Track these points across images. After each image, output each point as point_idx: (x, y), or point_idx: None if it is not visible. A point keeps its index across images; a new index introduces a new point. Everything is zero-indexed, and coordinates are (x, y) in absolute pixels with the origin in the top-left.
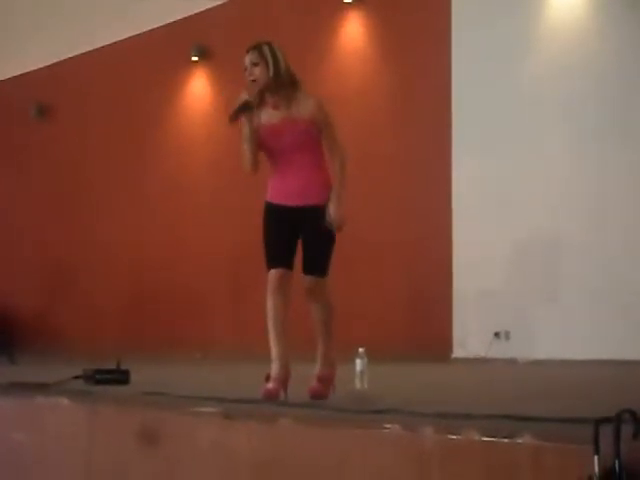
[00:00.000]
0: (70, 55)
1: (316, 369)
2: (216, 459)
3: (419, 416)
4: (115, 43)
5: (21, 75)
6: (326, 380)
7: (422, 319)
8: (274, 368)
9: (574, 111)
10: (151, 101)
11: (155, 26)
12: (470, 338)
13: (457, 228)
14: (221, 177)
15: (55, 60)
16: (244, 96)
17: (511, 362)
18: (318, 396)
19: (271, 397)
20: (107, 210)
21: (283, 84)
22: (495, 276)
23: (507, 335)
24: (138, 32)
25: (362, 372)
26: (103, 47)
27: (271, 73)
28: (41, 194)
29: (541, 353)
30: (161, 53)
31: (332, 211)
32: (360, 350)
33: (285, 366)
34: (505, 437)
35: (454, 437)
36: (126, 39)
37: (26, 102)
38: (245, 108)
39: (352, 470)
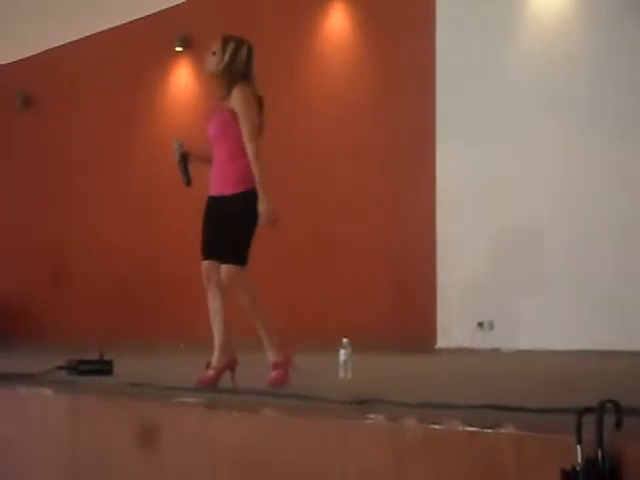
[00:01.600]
0: (55, 45)
1: (269, 358)
2: (200, 449)
3: (402, 406)
4: (100, 33)
5: (6, 65)
6: (279, 366)
7: (406, 309)
8: (214, 357)
9: (558, 102)
10: (136, 91)
11: (140, 16)
12: (454, 328)
13: (441, 219)
14: (201, 168)
15: (40, 50)
16: (177, 148)
17: (495, 352)
18: (277, 384)
19: (206, 384)
20: (90, 199)
21: (231, 78)
22: (479, 266)
23: (491, 325)
24: (123, 22)
25: (346, 362)
26: (88, 37)
27: (221, 67)
28: (25, 184)
29: (525, 343)
30: (146, 43)
31: (259, 209)
32: (344, 340)
33: (224, 355)
34: (488, 427)
35: (437, 427)
36: (111, 29)
37: (11, 92)
38: (184, 165)
39: (335, 460)
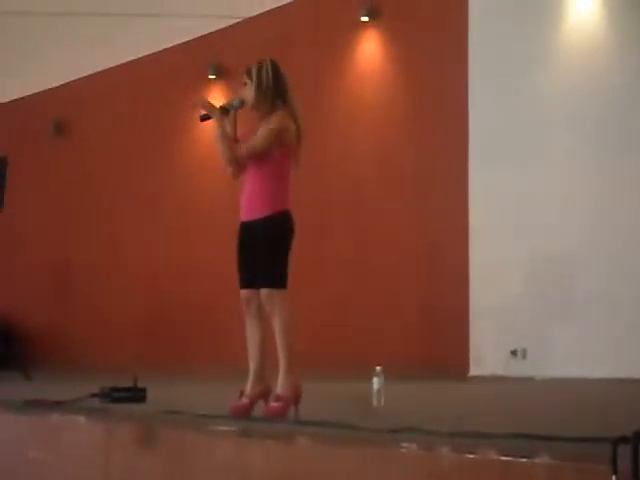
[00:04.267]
0: (88, 73)
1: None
2: (233, 478)
3: (436, 435)
4: (133, 61)
5: (40, 92)
6: (282, 399)
7: (438, 337)
8: (248, 385)
9: (591, 126)
10: (168, 118)
11: (172, 44)
12: (487, 356)
13: (473, 244)
14: (237, 192)
15: (73, 78)
16: (227, 102)
17: (528, 380)
18: (272, 415)
19: (238, 412)
20: (123, 226)
21: (264, 101)
22: (511, 293)
23: (524, 353)
24: (156, 50)
25: (379, 390)
26: (121, 65)
27: (253, 92)
28: (58, 211)
29: (558, 371)
30: (179, 71)
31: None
32: (377, 368)
33: (258, 383)
34: (523, 457)
35: (471, 456)
36: (144, 57)
37: (44, 119)
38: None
39: None
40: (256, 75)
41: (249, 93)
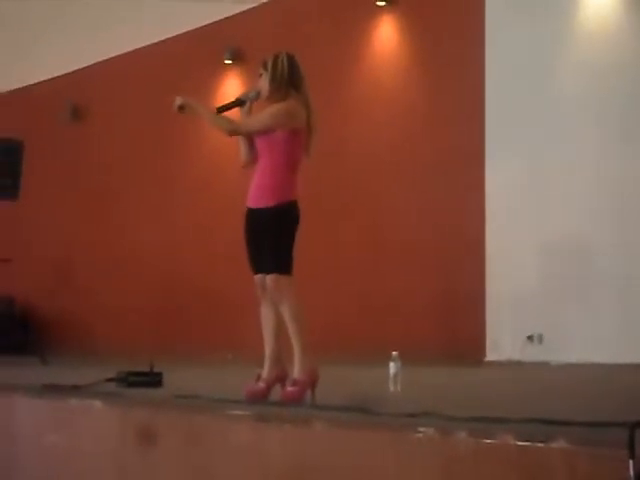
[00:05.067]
0: (104, 57)
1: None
2: (249, 462)
3: (453, 420)
4: (149, 46)
5: (55, 78)
6: (299, 384)
7: (455, 322)
8: (264, 369)
9: (608, 114)
10: None
11: (188, 29)
12: (503, 341)
13: (490, 230)
14: (249, 176)
15: (89, 62)
16: (243, 94)
17: (544, 365)
18: (289, 399)
19: (255, 397)
20: (138, 212)
21: (278, 92)
22: (528, 279)
23: (540, 338)
24: (172, 35)
25: (396, 375)
26: (137, 50)
27: (268, 82)
28: (74, 197)
29: (574, 356)
30: (195, 56)
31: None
32: (394, 353)
33: (275, 367)
34: (540, 441)
35: (488, 441)
36: (160, 42)
37: (60, 104)
38: (236, 104)
39: (385, 474)
40: (271, 67)
41: (264, 84)
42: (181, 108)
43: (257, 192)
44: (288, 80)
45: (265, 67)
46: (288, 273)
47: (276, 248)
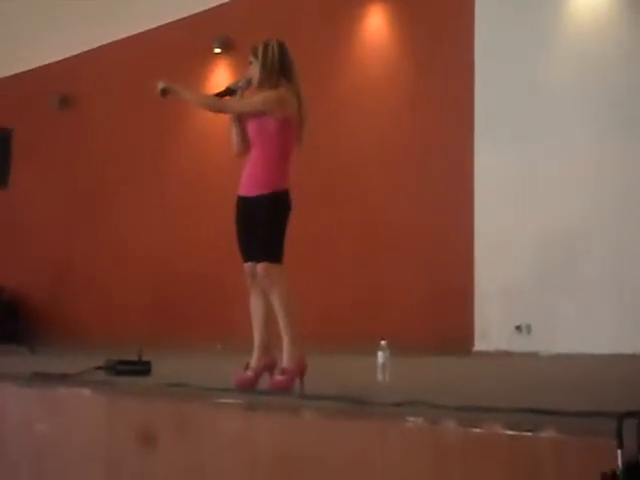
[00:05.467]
0: (93, 46)
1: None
2: (238, 450)
3: (441, 409)
4: (138, 35)
5: (44, 66)
6: (287, 373)
7: (444, 312)
8: (253, 357)
9: (596, 103)
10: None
11: (178, 18)
12: (492, 331)
13: (478, 220)
14: (241, 166)
15: (78, 51)
16: (234, 83)
17: (533, 355)
18: (278, 388)
19: (244, 385)
20: (128, 202)
21: (269, 80)
22: (516, 269)
23: (528, 329)
24: (161, 24)
25: (384, 364)
26: (126, 38)
27: (258, 70)
28: (62, 185)
29: (562, 347)
30: (184, 45)
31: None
32: (382, 342)
33: (264, 356)
34: (528, 430)
35: (477, 430)
36: (149, 30)
37: (49, 93)
38: (226, 93)
39: (374, 463)
40: (262, 54)
41: (255, 72)
42: (164, 92)
43: (249, 181)
44: (279, 68)
45: (255, 55)
46: (279, 262)
47: (267, 236)
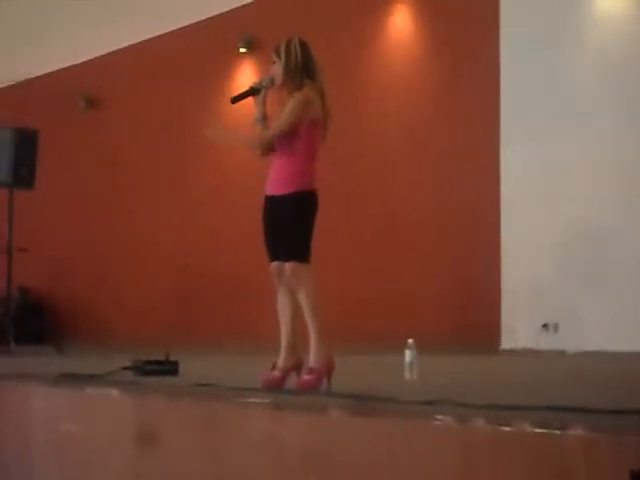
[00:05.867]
0: (119, 47)
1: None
2: (266, 450)
3: (470, 407)
4: (163, 35)
5: (70, 67)
6: (315, 372)
7: (471, 310)
8: (280, 357)
9: (624, 96)
10: (199, 92)
11: (203, 18)
12: (519, 329)
13: (505, 218)
14: (264, 166)
15: (104, 52)
16: (256, 82)
17: (560, 354)
18: (304, 388)
19: (270, 385)
20: (153, 202)
21: (293, 79)
22: (543, 267)
23: (556, 327)
24: (186, 24)
25: (411, 363)
26: (152, 39)
27: (282, 70)
28: (87, 185)
29: (590, 345)
30: (209, 45)
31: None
32: (409, 341)
33: (291, 356)
34: (557, 429)
35: (505, 428)
36: (174, 31)
37: (75, 93)
38: (250, 93)
39: (402, 461)
40: (285, 54)
41: (278, 72)
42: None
43: (276, 180)
44: (302, 67)
45: (278, 54)
46: (306, 261)
47: (295, 236)
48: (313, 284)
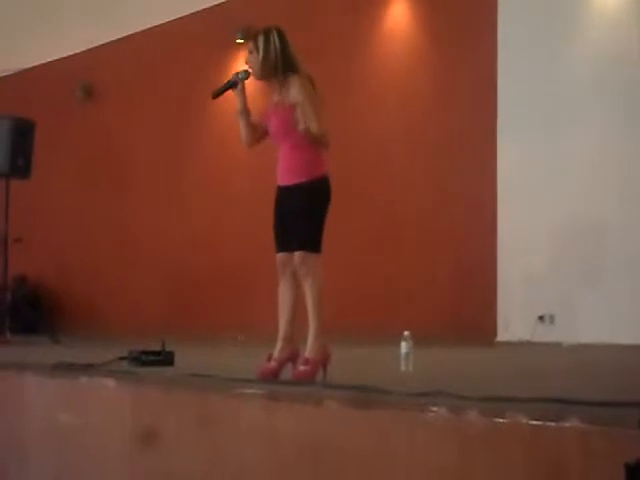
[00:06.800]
0: (116, 38)
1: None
2: (261, 441)
3: (465, 399)
4: (160, 25)
5: (67, 57)
6: (310, 363)
7: (467, 302)
8: (276, 348)
9: (620, 93)
10: (196, 83)
11: (200, 8)
12: (514, 322)
13: (502, 211)
14: (262, 157)
15: (101, 43)
16: (234, 75)
17: (556, 346)
18: (300, 378)
19: (267, 376)
20: (150, 194)
21: (275, 71)
22: (539, 259)
23: (552, 319)
24: (184, 14)
25: (407, 355)
26: (149, 29)
27: (260, 62)
28: (83, 176)
29: (586, 337)
30: (206, 36)
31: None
32: (405, 333)
33: (287, 347)
34: (552, 421)
35: (500, 420)
36: (171, 21)
37: (73, 84)
38: (228, 87)
39: (397, 453)
40: (263, 46)
41: (256, 63)
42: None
43: (289, 169)
44: (282, 58)
45: (256, 45)
46: (316, 251)
47: (308, 225)
48: (322, 275)
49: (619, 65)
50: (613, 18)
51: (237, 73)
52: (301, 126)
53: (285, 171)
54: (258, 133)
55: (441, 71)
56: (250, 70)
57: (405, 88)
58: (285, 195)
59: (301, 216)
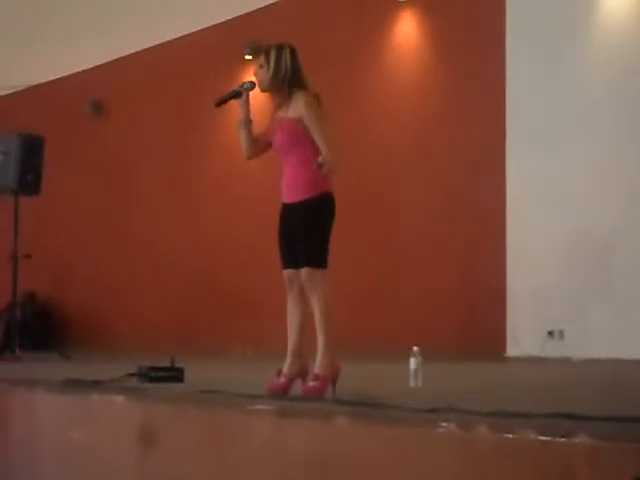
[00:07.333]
0: (125, 54)
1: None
2: (271, 457)
3: (474, 415)
4: (170, 42)
5: (77, 73)
6: (319, 379)
7: (476, 317)
8: (285, 364)
9: (628, 106)
10: (205, 99)
11: (209, 25)
12: (524, 337)
13: (511, 225)
14: (272, 172)
15: (110, 59)
16: (239, 85)
17: (565, 361)
18: (309, 394)
19: (276, 392)
20: (159, 209)
21: (283, 86)
22: (549, 274)
23: (561, 334)
24: (192, 31)
25: (416, 370)
26: (158, 45)
27: (270, 75)
28: (93, 191)
29: (595, 352)
30: (215, 52)
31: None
32: (414, 349)
33: (296, 362)
34: (561, 436)
35: (510, 436)
36: (180, 37)
37: (83, 99)
38: (232, 96)
39: (407, 469)
40: (275, 62)
41: (265, 77)
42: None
43: (293, 186)
44: (291, 76)
45: (267, 59)
46: (322, 267)
47: (312, 241)
48: (328, 290)
49: (629, 75)
50: (622, 28)
51: (243, 83)
52: (318, 161)
53: (290, 188)
54: (259, 146)
55: (450, 85)
56: (256, 82)
57: (414, 102)
58: (289, 212)
59: (306, 232)
